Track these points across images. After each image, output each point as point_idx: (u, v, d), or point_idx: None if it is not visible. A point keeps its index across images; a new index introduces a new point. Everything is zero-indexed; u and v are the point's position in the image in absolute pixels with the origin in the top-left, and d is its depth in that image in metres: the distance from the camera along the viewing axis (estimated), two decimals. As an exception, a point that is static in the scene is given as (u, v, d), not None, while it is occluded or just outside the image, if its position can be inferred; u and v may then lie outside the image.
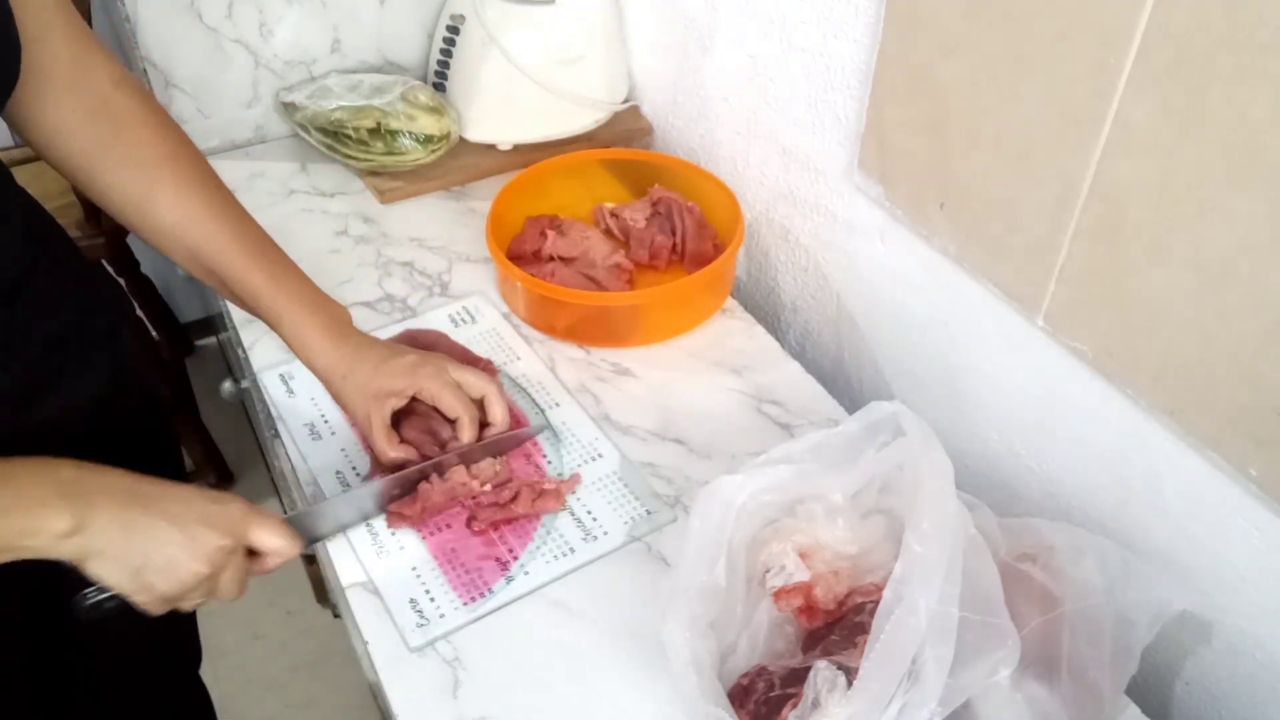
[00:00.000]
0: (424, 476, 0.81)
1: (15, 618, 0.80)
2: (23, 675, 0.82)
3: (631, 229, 1.09)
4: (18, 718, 0.82)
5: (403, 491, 0.81)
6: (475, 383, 0.83)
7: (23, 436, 0.69)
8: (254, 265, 0.79)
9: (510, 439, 0.86)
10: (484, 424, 0.84)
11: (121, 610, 0.67)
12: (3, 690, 0.80)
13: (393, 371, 0.81)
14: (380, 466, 0.83)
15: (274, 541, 0.70)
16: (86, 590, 0.67)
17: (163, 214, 0.77)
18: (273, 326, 0.81)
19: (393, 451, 0.81)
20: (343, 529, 0.81)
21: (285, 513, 0.77)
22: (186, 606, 0.68)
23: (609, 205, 1.12)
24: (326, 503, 0.80)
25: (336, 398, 0.83)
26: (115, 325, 0.85)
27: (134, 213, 0.77)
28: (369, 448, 0.86)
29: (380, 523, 0.82)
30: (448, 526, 0.82)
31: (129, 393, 0.87)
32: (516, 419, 0.90)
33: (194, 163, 0.79)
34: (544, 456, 0.88)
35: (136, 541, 0.64)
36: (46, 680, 0.84)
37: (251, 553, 0.71)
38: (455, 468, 0.81)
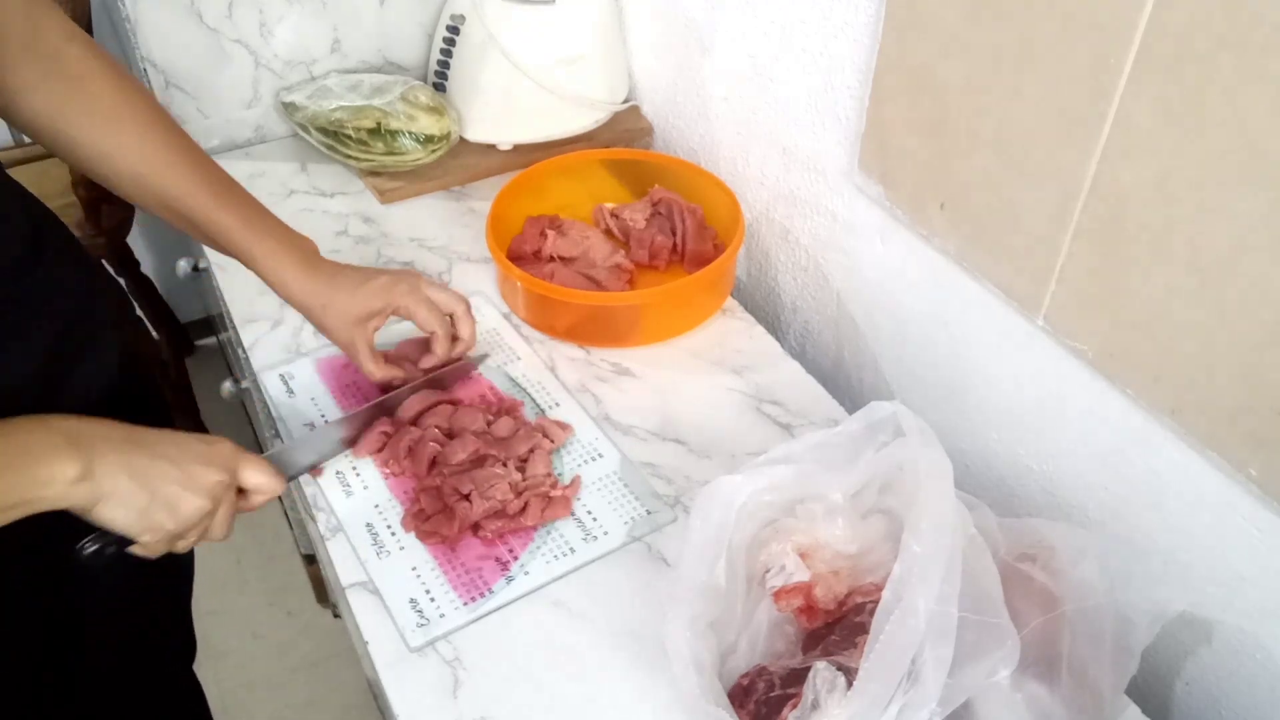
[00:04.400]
0: (384, 412, 0.88)
1: (7, 612, 0.80)
2: (15, 669, 0.82)
3: (631, 229, 1.09)
4: (9, 712, 0.82)
5: (365, 424, 0.87)
6: (446, 299, 0.88)
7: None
8: (224, 206, 0.82)
9: (457, 369, 0.93)
10: (454, 338, 0.91)
11: (119, 558, 0.70)
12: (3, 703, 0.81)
13: (370, 294, 0.84)
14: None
15: (260, 479, 0.74)
16: (85, 539, 0.69)
17: (130, 162, 0.79)
18: (246, 264, 0.84)
19: (379, 372, 0.87)
20: (319, 461, 0.86)
21: (286, 513, 0.78)
22: (183, 547, 0.71)
23: (609, 205, 1.12)
24: (299, 440, 0.85)
25: (320, 327, 0.87)
26: (122, 311, 0.86)
27: (102, 163, 0.79)
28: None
29: (380, 522, 0.82)
30: (448, 526, 0.82)
31: (137, 384, 0.88)
32: (507, 408, 0.92)
33: (153, 109, 0.80)
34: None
35: (141, 482, 0.66)
36: (40, 674, 0.84)
37: (239, 492, 0.74)
38: (499, 484, 0.81)
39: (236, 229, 0.82)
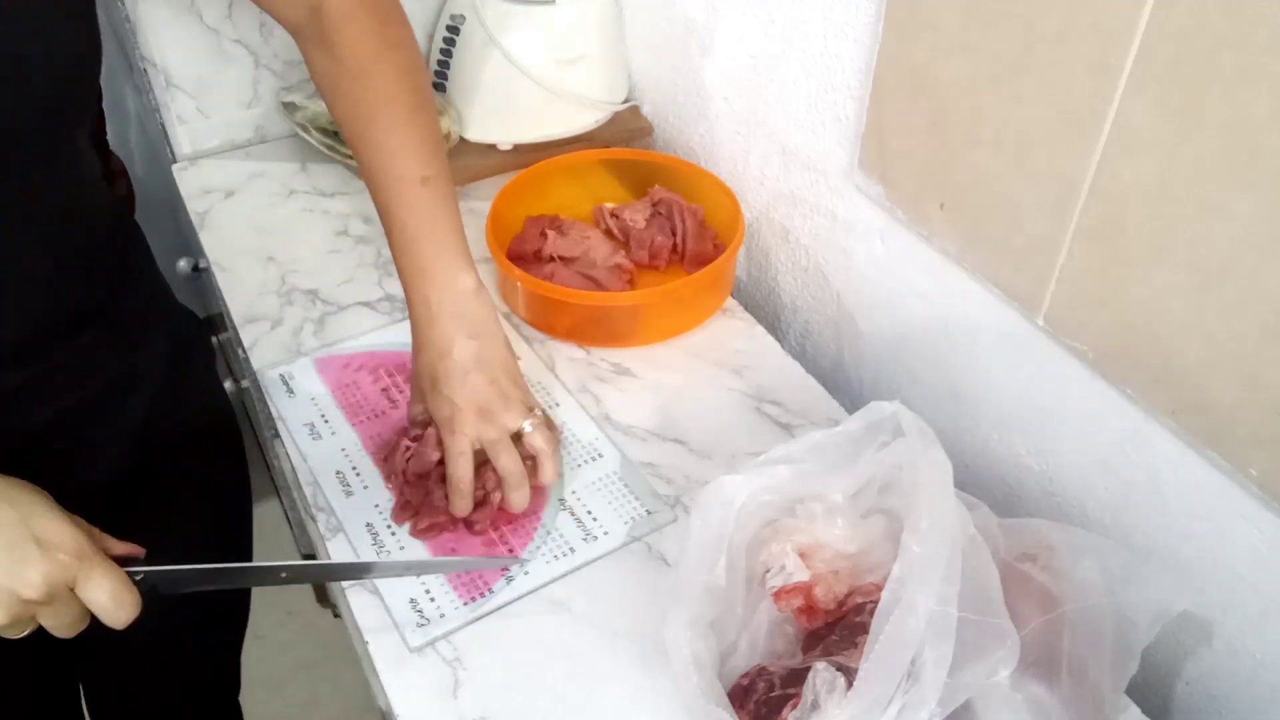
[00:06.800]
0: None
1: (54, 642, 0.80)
2: (62, 702, 0.82)
3: (631, 229, 1.09)
4: None
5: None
6: (535, 441, 0.80)
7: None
8: (405, 220, 0.79)
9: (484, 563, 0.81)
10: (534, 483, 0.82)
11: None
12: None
13: (466, 414, 0.77)
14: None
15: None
16: None
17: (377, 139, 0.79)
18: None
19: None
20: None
21: (286, 513, 0.77)
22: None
23: (609, 205, 1.12)
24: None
25: (419, 397, 0.82)
26: (185, 357, 0.87)
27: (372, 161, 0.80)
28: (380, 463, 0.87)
29: (380, 522, 0.82)
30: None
31: (153, 459, 0.86)
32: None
33: (396, 92, 0.80)
34: (544, 456, 0.88)
35: None
36: (87, 708, 0.85)
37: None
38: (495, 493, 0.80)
39: (401, 258, 0.80)
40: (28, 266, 0.69)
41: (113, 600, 0.59)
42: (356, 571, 0.77)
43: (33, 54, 0.61)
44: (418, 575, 0.78)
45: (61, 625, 0.60)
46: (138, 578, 0.61)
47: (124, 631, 0.62)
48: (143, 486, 0.83)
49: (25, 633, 0.59)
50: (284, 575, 0.69)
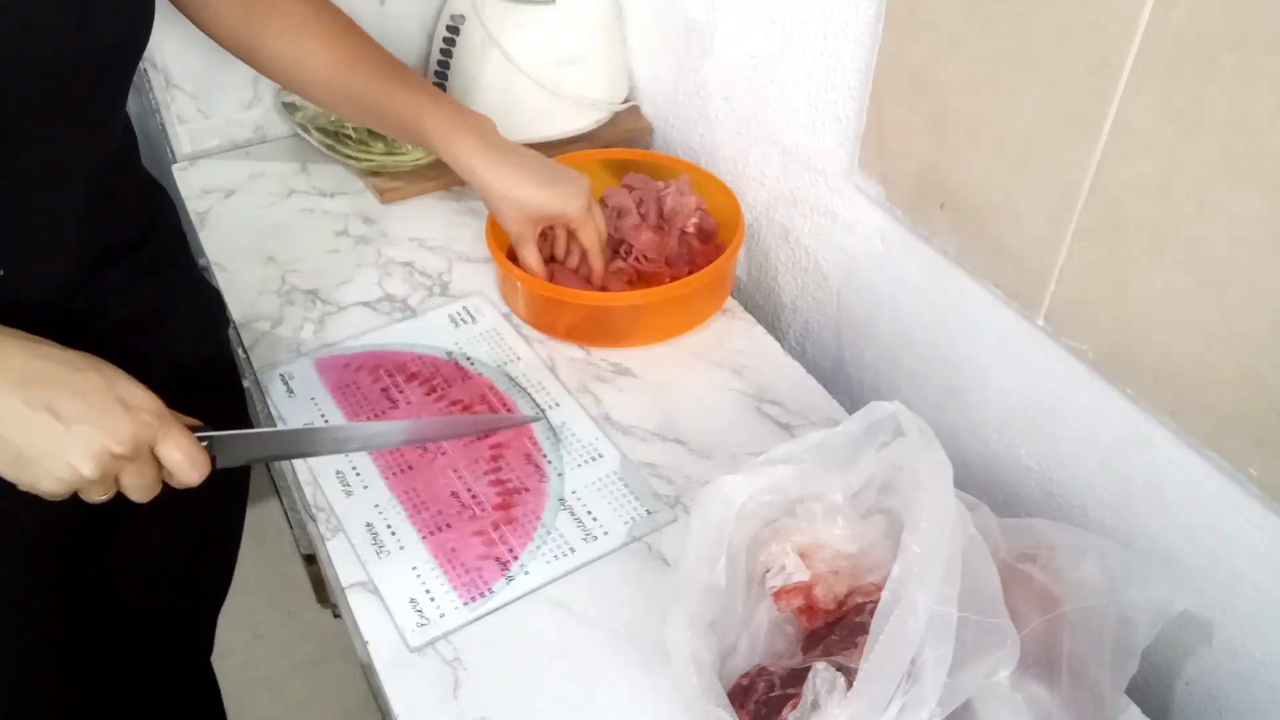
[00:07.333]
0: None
1: (45, 582, 0.83)
2: (43, 645, 0.84)
3: (631, 229, 1.09)
4: (33, 690, 0.85)
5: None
6: (604, 223, 0.99)
7: None
8: (396, 97, 0.90)
9: (506, 420, 0.91)
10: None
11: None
12: (21, 660, 0.83)
13: (549, 198, 0.93)
14: None
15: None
16: None
17: (314, 69, 0.89)
18: (431, 150, 0.94)
19: (538, 267, 0.97)
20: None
21: (286, 513, 0.78)
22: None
23: (609, 205, 1.12)
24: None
25: (494, 213, 0.96)
26: (216, 319, 0.96)
27: (292, 71, 0.90)
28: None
29: (380, 522, 0.82)
30: (448, 526, 0.82)
31: (209, 379, 0.94)
32: (507, 407, 0.92)
33: (336, 17, 0.90)
34: (544, 456, 0.88)
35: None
36: (65, 650, 0.87)
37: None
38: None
39: (409, 120, 0.90)
40: (75, 200, 0.74)
41: (187, 458, 0.65)
42: (404, 435, 0.80)
43: None
44: (468, 435, 0.88)
45: (140, 485, 0.64)
46: (204, 443, 0.67)
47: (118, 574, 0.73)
48: None
49: (107, 496, 0.64)
50: (333, 443, 0.77)
